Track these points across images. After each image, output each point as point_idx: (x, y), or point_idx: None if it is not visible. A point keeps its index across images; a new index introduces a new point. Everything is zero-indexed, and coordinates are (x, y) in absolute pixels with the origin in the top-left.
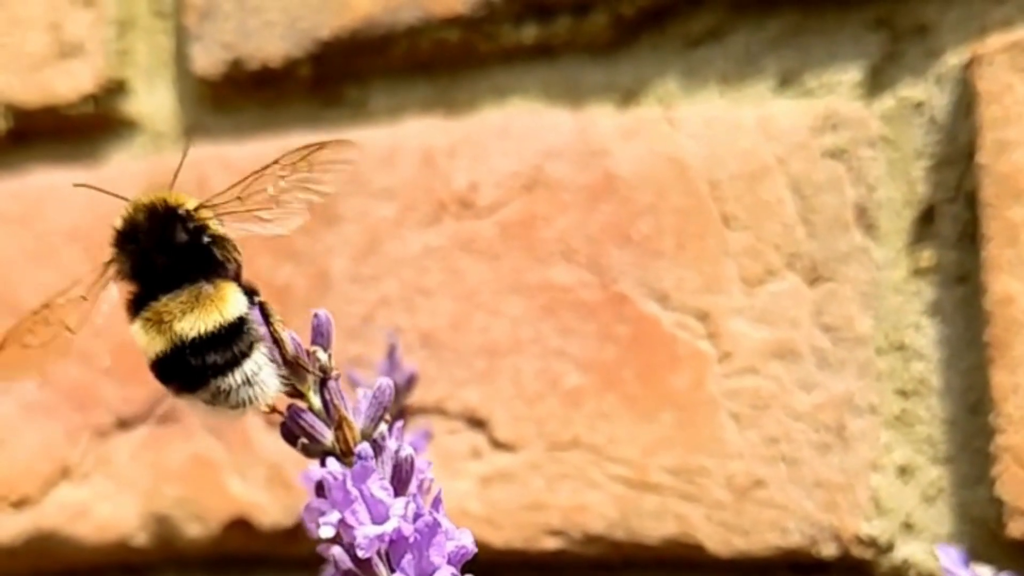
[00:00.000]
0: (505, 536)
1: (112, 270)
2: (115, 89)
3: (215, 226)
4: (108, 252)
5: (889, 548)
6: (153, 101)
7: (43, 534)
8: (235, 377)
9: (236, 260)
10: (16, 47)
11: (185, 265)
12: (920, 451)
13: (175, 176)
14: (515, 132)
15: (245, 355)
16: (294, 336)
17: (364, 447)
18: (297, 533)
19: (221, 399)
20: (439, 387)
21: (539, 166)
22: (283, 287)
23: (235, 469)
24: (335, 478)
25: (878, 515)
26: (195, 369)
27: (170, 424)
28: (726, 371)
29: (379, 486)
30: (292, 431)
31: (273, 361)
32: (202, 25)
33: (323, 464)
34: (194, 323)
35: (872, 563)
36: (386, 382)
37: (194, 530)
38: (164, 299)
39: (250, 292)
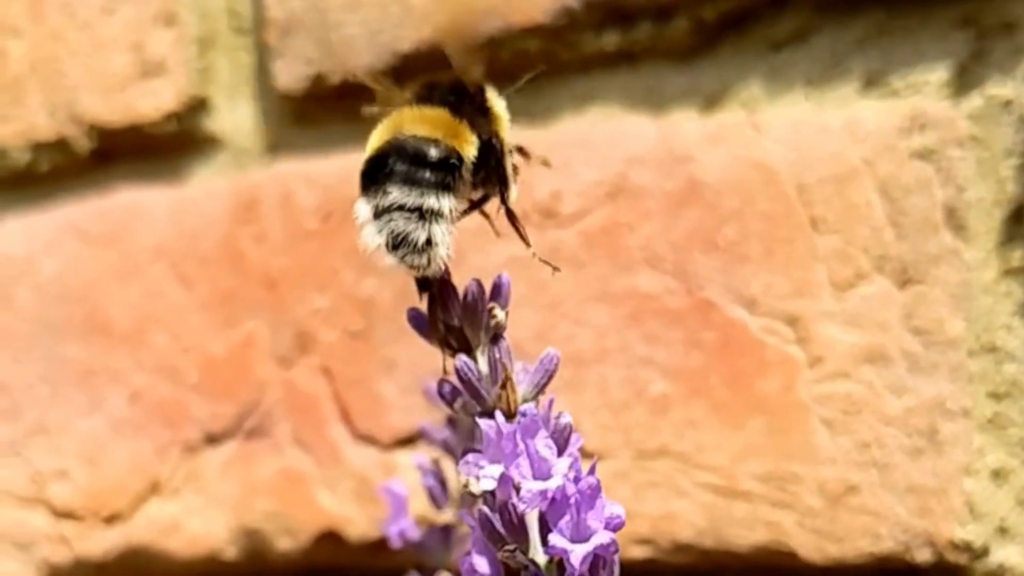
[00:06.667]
0: None
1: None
2: (197, 107)
3: (493, 101)
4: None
5: (984, 553)
6: (235, 118)
7: (134, 549)
8: (409, 197)
9: (499, 136)
10: (99, 67)
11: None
12: (1014, 454)
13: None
14: (597, 140)
15: (432, 187)
16: (473, 286)
17: (530, 407)
18: (385, 545)
19: (385, 220)
20: None
21: (622, 174)
22: (367, 300)
23: (324, 483)
24: (502, 431)
25: (972, 519)
26: (388, 169)
27: (259, 439)
28: (816, 376)
29: (544, 443)
30: (454, 388)
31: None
32: (283, 41)
33: (486, 417)
34: (416, 127)
35: (967, 568)
36: (554, 351)
37: (284, 544)
38: (417, 107)
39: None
